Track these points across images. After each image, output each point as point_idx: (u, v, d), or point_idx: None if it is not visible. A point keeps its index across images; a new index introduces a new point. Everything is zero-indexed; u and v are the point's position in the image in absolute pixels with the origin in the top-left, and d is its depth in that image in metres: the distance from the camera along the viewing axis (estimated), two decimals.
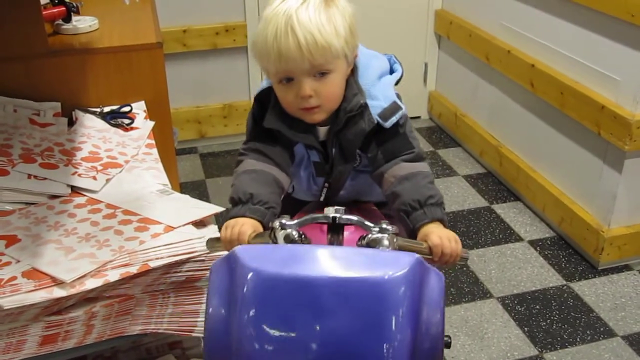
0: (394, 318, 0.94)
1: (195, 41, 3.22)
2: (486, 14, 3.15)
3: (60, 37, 1.94)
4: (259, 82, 3.44)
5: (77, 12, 2.04)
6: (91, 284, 1.16)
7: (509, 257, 2.59)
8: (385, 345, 0.93)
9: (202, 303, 1.31)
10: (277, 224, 1.10)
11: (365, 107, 1.32)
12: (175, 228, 1.32)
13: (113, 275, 1.18)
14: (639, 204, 2.45)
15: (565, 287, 2.43)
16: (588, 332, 2.21)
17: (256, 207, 1.22)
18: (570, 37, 2.56)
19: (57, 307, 1.18)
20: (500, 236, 2.73)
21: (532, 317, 2.28)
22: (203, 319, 1.33)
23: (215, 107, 3.42)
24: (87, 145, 1.65)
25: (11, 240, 1.27)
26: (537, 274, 2.50)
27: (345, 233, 1.14)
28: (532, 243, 2.69)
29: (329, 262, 0.98)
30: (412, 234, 1.24)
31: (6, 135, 1.63)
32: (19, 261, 1.21)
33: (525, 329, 2.23)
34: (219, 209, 1.44)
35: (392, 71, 1.42)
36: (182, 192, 1.61)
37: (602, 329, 2.22)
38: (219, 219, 1.42)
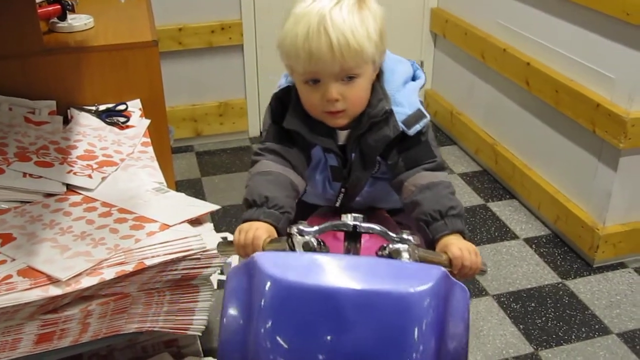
0: (418, 332, 0.91)
1: (191, 39, 3.22)
2: (482, 12, 3.15)
3: (56, 35, 1.94)
4: (255, 81, 3.46)
5: (72, 10, 2.03)
6: (87, 282, 1.16)
7: (504, 255, 2.60)
8: None
9: (197, 301, 1.32)
10: (295, 230, 1.07)
11: (390, 113, 1.29)
12: (170, 226, 1.32)
13: (109, 274, 1.18)
14: (634, 202, 2.46)
15: (560, 284, 2.44)
16: (583, 329, 2.22)
17: (271, 211, 1.19)
18: (566, 35, 2.56)
19: (52, 306, 1.18)
20: (496, 234, 2.73)
21: (528, 314, 2.29)
22: (198, 317, 1.33)
23: (211, 105, 3.42)
24: (82, 144, 1.65)
25: (6, 238, 1.27)
26: (533, 272, 2.50)
27: (362, 241, 1.12)
28: (528, 241, 2.69)
29: (352, 272, 0.95)
30: (431, 244, 1.22)
31: (1, 133, 1.63)
32: (14, 259, 1.21)
33: (521, 326, 2.23)
34: (215, 207, 1.44)
35: (414, 77, 1.39)
36: (177, 190, 1.61)
37: (597, 327, 2.23)
38: (215, 217, 1.42)
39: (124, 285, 1.23)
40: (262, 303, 0.92)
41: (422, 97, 3.88)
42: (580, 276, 2.48)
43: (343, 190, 1.41)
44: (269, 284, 0.92)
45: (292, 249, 1.07)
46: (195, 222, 1.38)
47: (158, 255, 1.23)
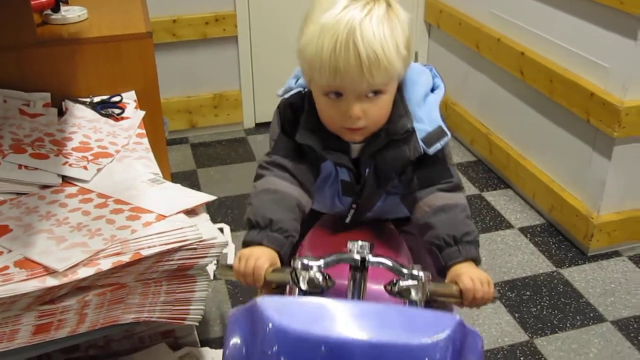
0: None
1: (185, 31, 3.21)
2: (476, 2, 3.15)
3: (49, 27, 1.94)
4: (249, 72, 3.45)
5: (66, 2, 2.03)
6: (83, 272, 1.16)
7: (499, 244, 2.61)
8: None
9: (194, 291, 1.32)
10: (299, 264, 1.03)
11: (412, 133, 1.22)
12: (166, 217, 1.32)
13: (105, 264, 1.18)
14: (628, 191, 2.47)
15: (555, 273, 2.45)
16: (578, 317, 2.23)
17: (275, 236, 1.15)
18: (560, 24, 2.56)
19: (49, 297, 1.18)
20: (491, 223, 2.74)
21: (523, 303, 2.30)
22: (195, 307, 1.34)
23: (205, 97, 3.41)
24: (77, 135, 1.65)
25: (2, 230, 1.27)
26: (528, 261, 2.52)
27: (369, 269, 1.08)
28: (523, 230, 2.70)
29: (362, 321, 0.89)
30: (442, 269, 1.18)
31: None
32: (10, 251, 1.21)
33: (516, 315, 2.24)
34: (211, 198, 1.45)
35: (432, 87, 1.31)
36: (173, 182, 1.61)
37: (591, 314, 2.24)
38: (211, 209, 1.42)
39: (121, 276, 1.23)
40: (266, 353, 0.87)
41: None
42: (574, 265, 2.49)
43: (354, 206, 1.36)
44: (272, 333, 0.87)
45: (296, 283, 1.03)
46: (191, 212, 1.39)
47: (154, 246, 1.23)
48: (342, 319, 0.90)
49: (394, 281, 1.05)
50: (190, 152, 3.35)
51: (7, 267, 1.16)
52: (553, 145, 2.70)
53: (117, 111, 1.79)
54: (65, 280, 1.15)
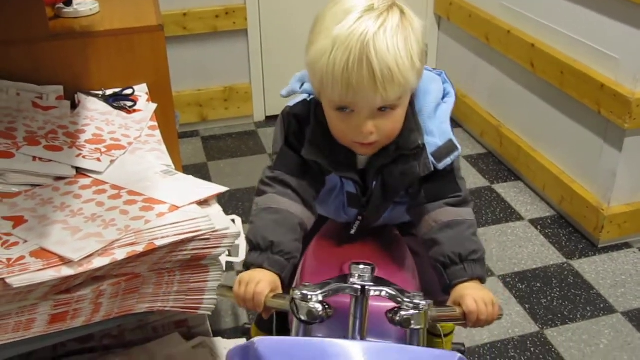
0: None
1: (196, 24, 3.23)
2: None
3: (62, 20, 1.95)
4: (259, 65, 3.46)
5: None
6: (99, 262, 1.17)
7: (509, 236, 2.61)
8: None
9: (207, 281, 1.33)
10: (298, 294, 1.02)
11: (422, 148, 1.19)
12: (179, 207, 1.33)
13: (120, 254, 1.19)
14: (639, 182, 2.47)
15: (565, 264, 2.45)
16: (588, 308, 2.24)
17: (276, 258, 1.14)
18: (570, 16, 2.56)
19: (65, 286, 1.19)
20: (501, 215, 2.75)
21: (533, 294, 2.30)
22: (208, 297, 1.35)
23: (216, 90, 3.43)
24: (90, 128, 1.66)
25: (18, 221, 1.29)
26: (538, 253, 2.52)
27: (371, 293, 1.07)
28: (533, 222, 2.70)
29: None
30: (447, 287, 1.17)
31: (10, 118, 1.64)
32: (26, 241, 1.22)
33: (526, 306, 2.25)
34: (223, 189, 1.45)
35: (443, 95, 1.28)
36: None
37: (602, 306, 2.25)
38: (222, 201, 1.43)
39: (135, 266, 1.25)
40: None
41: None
42: (585, 256, 2.49)
43: (359, 218, 1.34)
44: None
45: (296, 313, 1.03)
46: (204, 203, 1.39)
47: (168, 236, 1.24)
48: None
49: (395, 310, 1.04)
50: (201, 145, 3.37)
51: (23, 257, 1.18)
52: (563, 137, 2.69)
53: (129, 104, 1.80)
54: (80, 270, 1.16)
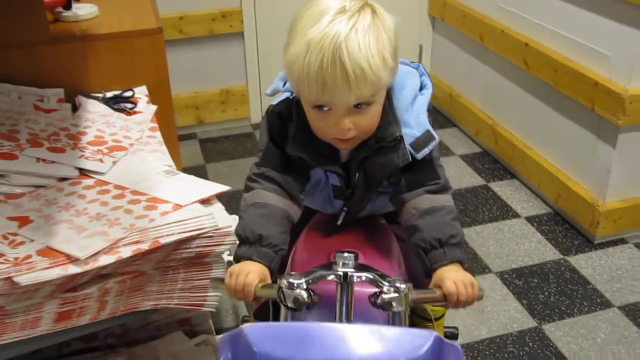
0: None
1: (192, 27, 3.25)
2: None
3: (61, 24, 1.97)
4: (256, 68, 3.48)
5: (77, 0, 2.06)
6: (104, 260, 1.19)
7: (506, 234, 2.64)
8: None
9: (210, 278, 1.35)
10: (284, 283, 1.07)
11: (400, 140, 1.23)
12: (183, 206, 1.35)
13: (125, 252, 1.21)
14: (633, 178, 2.50)
15: (562, 260, 2.48)
16: (585, 303, 2.26)
17: (264, 250, 1.18)
18: (563, 15, 2.59)
19: (71, 284, 1.21)
20: (498, 213, 2.77)
21: (531, 290, 2.33)
22: (212, 294, 1.37)
23: (212, 92, 3.45)
24: (91, 130, 1.68)
25: (24, 221, 1.31)
26: (535, 249, 2.54)
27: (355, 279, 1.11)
28: (529, 219, 2.73)
29: (344, 345, 0.94)
30: (429, 272, 1.20)
31: (12, 121, 1.66)
32: (32, 240, 1.24)
33: (524, 301, 2.27)
34: (225, 188, 1.48)
35: (421, 87, 1.31)
36: None
37: (598, 300, 2.27)
38: (221, 201, 1.45)
39: (140, 264, 1.27)
40: None
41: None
42: (581, 252, 2.52)
43: (345, 209, 1.38)
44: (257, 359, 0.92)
45: (282, 302, 1.07)
46: (206, 202, 1.42)
47: (172, 234, 1.26)
48: (325, 343, 0.94)
49: (377, 293, 1.08)
50: (199, 147, 3.39)
51: (30, 256, 1.19)
52: (558, 134, 2.72)
53: (129, 106, 1.82)
54: (86, 268, 1.18)
